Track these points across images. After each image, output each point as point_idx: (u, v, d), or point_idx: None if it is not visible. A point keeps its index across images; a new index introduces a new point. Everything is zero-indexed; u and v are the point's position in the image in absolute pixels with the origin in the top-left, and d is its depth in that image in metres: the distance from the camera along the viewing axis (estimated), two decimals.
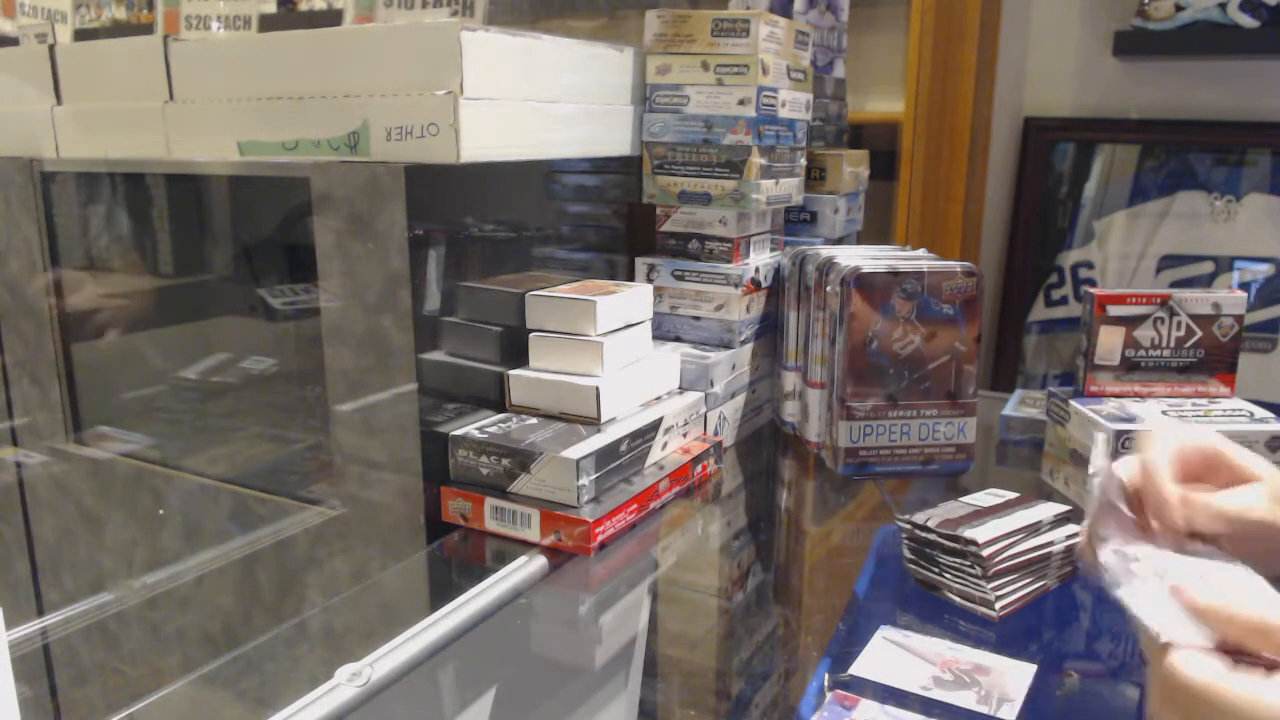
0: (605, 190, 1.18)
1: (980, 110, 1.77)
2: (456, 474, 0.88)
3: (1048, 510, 0.81)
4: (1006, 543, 0.76)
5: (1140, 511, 0.58)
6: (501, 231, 1.04)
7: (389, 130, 0.85)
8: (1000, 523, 0.78)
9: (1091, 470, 0.58)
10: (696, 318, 1.10)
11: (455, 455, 0.88)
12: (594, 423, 0.90)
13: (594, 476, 0.84)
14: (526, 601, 0.78)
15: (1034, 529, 0.78)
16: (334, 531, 0.95)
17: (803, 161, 1.19)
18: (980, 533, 0.75)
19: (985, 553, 0.74)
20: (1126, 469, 0.59)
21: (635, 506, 0.88)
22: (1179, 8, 1.56)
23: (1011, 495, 0.86)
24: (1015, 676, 0.66)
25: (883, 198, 1.74)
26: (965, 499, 0.85)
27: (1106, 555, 0.55)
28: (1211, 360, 0.99)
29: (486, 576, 0.77)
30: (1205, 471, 0.59)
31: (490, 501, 0.85)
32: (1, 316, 1.19)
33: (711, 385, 1.04)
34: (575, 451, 0.83)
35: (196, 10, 1.39)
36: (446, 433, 0.88)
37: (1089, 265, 1.78)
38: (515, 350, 0.95)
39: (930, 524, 0.78)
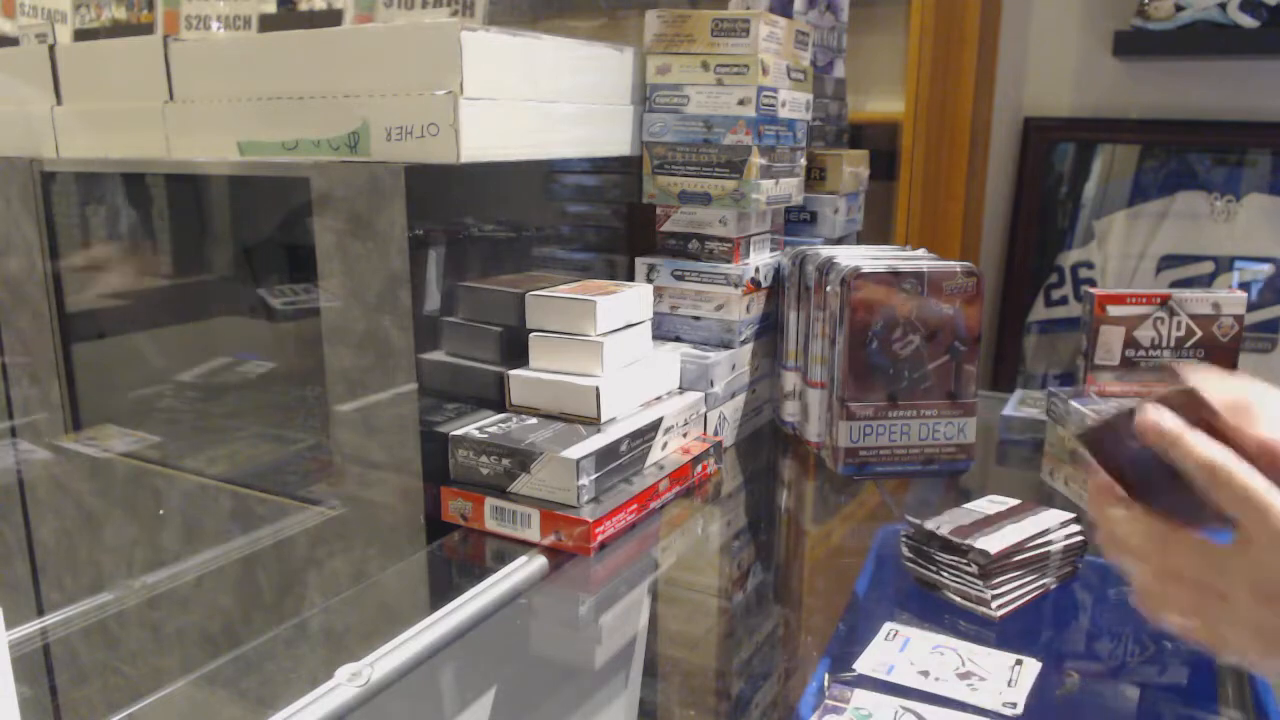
0: (605, 190, 1.18)
1: (980, 110, 1.77)
2: (456, 474, 0.88)
3: (1054, 518, 0.81)
4: (1012, 544, 0.76)
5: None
6: (501, 231, 1.04)
7: (389, 130, 0.85)
8: (1011, 530, 0.78)
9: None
10: (696, 318, 1.10)
11: (455, 455, 0.88)
12: (594, 423, 0.90)
13: (594, 476, 0.84)
14: (526, 601, 0.78)
15: (1042, 536, 0.78)
16: (334, 531, 0.95)
17: (803, 161, 1.19)
18: (991, 542, 0.75)
19: (997, 563, 0.74)
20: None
21: (635, 506, 0.88)
22: (1179, 8, 1.56)
23: (1014, 502, 0.85)
24: (1018, 674, 0.66)
25: (883, 198, 1.74)
26: (969, 505, 0.85)
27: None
28: (1211, 360, 0.99)
29: (486, 576, 0.77)
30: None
31: (490, 501, 0.85)
32: (2, 317, 1.19)
33: (711, 385, 1.04)
34: (575, 451, 0.83)
35: (196, 10, 1.39)
36: (446, 433, 0.88)
37: (1089, 265, 1.78)
38: (515, 350, 0.95)
39: (941, 531, 0.78)
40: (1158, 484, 0.53)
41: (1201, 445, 0.50)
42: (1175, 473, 0.52)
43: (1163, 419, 0.52)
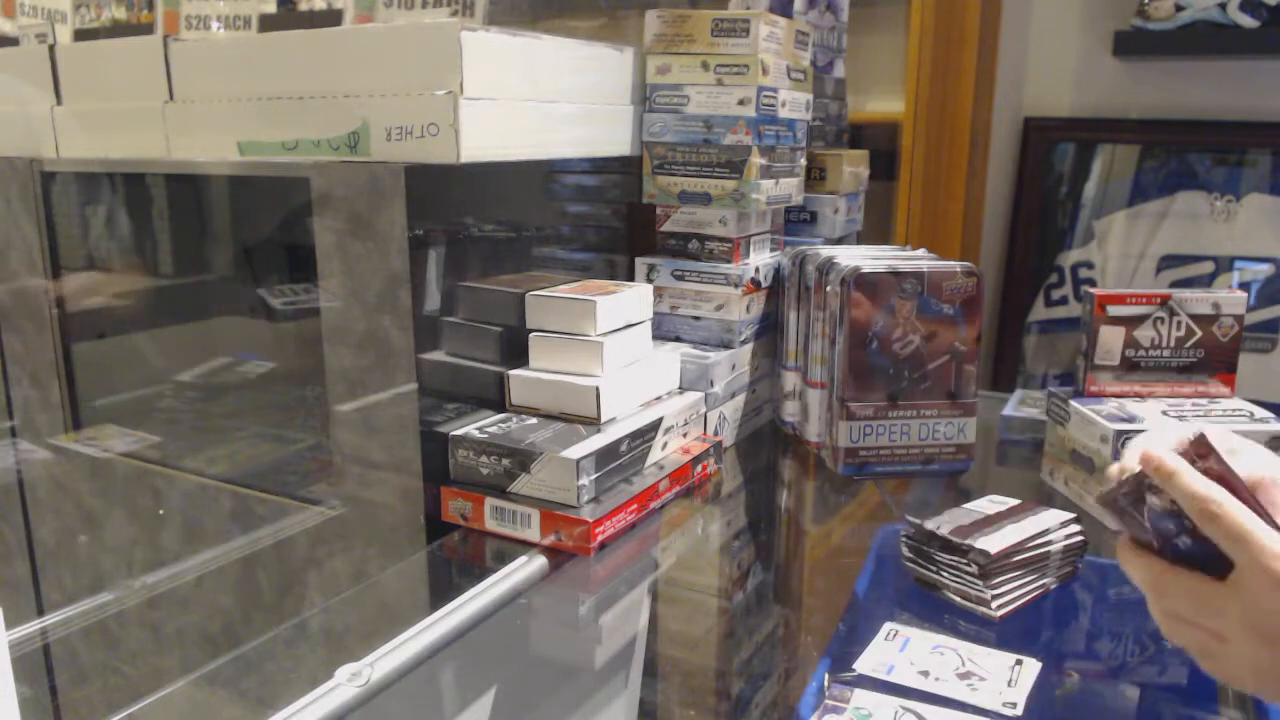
0: (605, 190, 1.18)
1: (980, 110, 1.77)
2: (456, 474, 0.88)
3: (1054, 518, 0.81)
4: (1012, 544, 0.76)
5: None
6: (501, 231, 1.04)
7: (389, 130, 0.85)
8: (1011, 530, 0.78)
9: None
10: (696, 318, 1.10)
11: (455, 455, 0.88)
12: (594, 423, 0.90)
13: (594, 476, 0.84)
14: (526, 601, 0.78)
15: (1041, 536, 0.78)
16: (334, 531, 0.95)
17: (803, 161, 1.19)
18: (991, 542, 0.75)
19: (997, 563, 0.74)
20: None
21: (635, 506, 0.88)
22: (1179, 8, 1.56)
23: (1014, 502, 0.85)
24: (1018, 674, 0.66)
25: (883, 198, 1.74)
26: (969, 505, 0.85)
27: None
28: (1211, 360, 0.99)
29: (486, 576, 0.77)
30: None
31: (490, 501, 0.85)
32: (2, 317, 1.19)
33: (711, 385, 1.04)
34: (575, 451, 0.83)
35: (196, 10, 1.39)
36: (446, 433, 0.88)
37: (1089, 265, 1.78)
38: (515, 350, 0.95)
39: (941, 531, 0.78)
40: (1165, 534, 0.54)
41: (1197, 482, 0.51)
42: (1183, 526, 0.52)
43: (1164, 457, 0.52)
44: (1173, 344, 0.98)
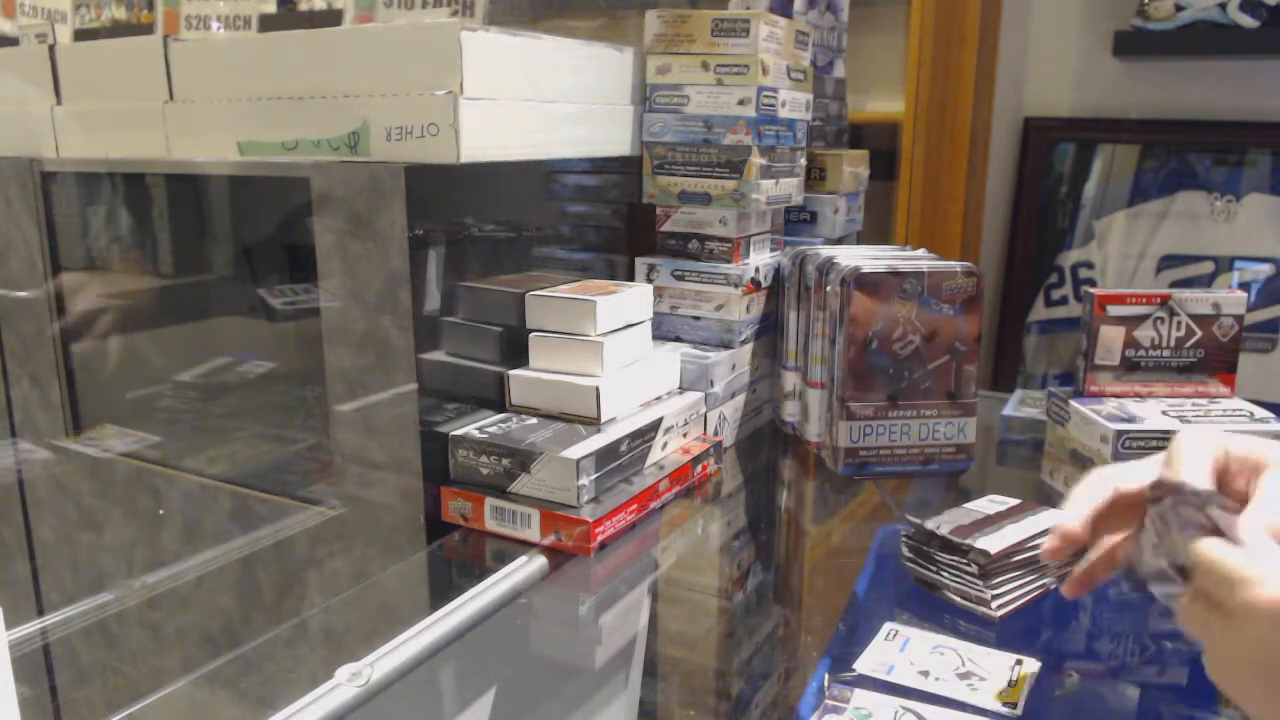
0: (605, 190, 1.18)
1: (980, 110, 1.77)
2: (456, 474, 0.88)
3: (1054, 518, 0.81)
4: (1012, 544, 0.76)
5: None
6: (501, 231, 1.04)
7: (389, 130, 0.85)
8: (1011, 530, 0.78)
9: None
10: (696, 318, 1.10)
11: (455, 455, 0.88)
12: (594, 423, 0.90)
13: (594, 476, 0.84)
14: (526, 601, 0.78)
15: (1042, 536, 0.78)
16: (334, 531, 0.95)
17: (803, 161, 1.19)
18: (991, 542, 0.75)
19: (997, 563, 0.74)
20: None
21: (635, 506, 0.88)
22: (1179, 8, 1.56)
23: (1014, 502, 0.85)
24: (1018, 674, 0.66)
25: (883, 198, 1.74)
26: (969, 505, 0.85)
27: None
28: (1211, 360, 0.99)
29: (486, 576, 0.77)
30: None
31: (490, 501, 0.85)
32: (2, 317, 1.19)
33: (711, 385, 1.04)
34: (575, 451, 0.83)
35: (196, 10, 1.39)
36: (446, 433, 0.88)
37: (1089, 265, 1.78)
38: (515, 350, 0.95)
39: (941, 531, 0.77)
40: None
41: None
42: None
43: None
44: (1173, 344, 0.98)
